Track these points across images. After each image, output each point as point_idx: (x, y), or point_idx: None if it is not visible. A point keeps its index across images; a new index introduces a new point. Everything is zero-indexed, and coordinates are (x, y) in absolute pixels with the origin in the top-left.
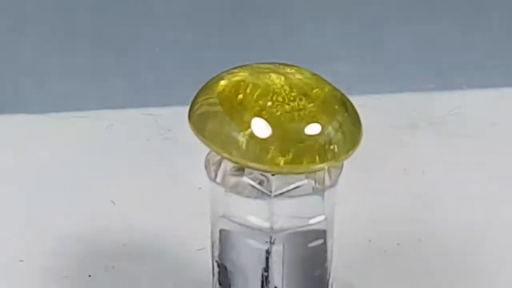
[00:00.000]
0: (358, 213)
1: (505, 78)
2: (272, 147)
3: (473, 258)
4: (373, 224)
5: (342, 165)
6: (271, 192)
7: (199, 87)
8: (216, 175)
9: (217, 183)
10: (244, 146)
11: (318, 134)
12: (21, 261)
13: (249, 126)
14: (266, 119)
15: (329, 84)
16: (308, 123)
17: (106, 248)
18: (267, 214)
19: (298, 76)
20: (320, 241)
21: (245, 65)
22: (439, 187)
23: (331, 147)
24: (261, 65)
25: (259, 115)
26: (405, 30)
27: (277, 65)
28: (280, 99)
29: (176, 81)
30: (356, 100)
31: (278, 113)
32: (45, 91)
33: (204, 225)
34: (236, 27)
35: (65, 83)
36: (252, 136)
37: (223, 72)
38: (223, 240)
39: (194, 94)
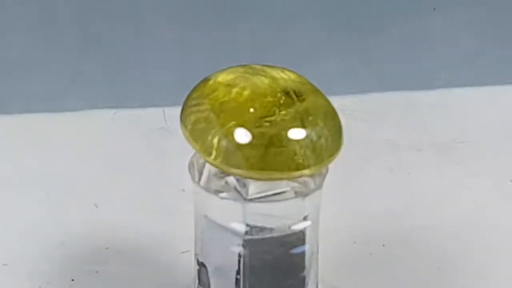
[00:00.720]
0: (343, 215)
1: (491, 76)
2: (249, 153)
3: (459, 259)
4: (358, 226)
5: (327, 168)
6: (247, 195)
7: (184, 88)
8: (199, 177)
9: (200, 186)
10: (222, 150)
11: (298, 141)
12: (4, 265)
13: (230, 131)
14: (246, 125)
15: (316, 91)
16: (289, 130)
17: (89, 252)
18: (242, 218)
19: (288, 81)
20: (301, 249)
21: (239, 66)
22: (424, 188)
23: (310, 154)
24: (254, 67)
25: (240, 121)
26: (392, 29)
27: (272, 67)
28: (266, 104)
29: (160, 81)
30: (341, 99)
31: (260, 119)
32: (27, 91)
33: (188, 227)
34: (223, 26)
35: (48, 83)
36: (231, 140)
37: (216, 72)
38: (204, 239)
39: (179, 95)
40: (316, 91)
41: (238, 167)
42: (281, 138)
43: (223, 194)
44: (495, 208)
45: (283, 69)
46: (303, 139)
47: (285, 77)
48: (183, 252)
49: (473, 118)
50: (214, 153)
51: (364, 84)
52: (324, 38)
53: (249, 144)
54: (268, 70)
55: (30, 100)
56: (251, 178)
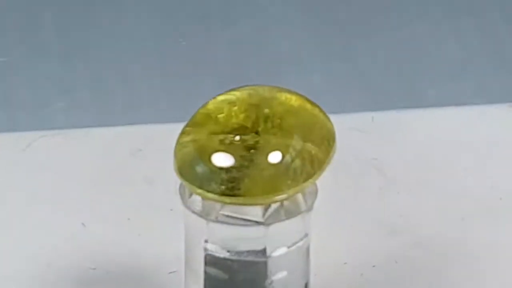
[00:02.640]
0: (332, 235)
1: (476, 95)
2: (221, 179)
3: (450, 278)
4: (348, 246)
5: (316, 189)
6: (214, 216)
7: (170, 105)
8: (188, 200)
9: (189, 208)
10: (194, 172)
11: (274, 165)
12: None
13: (209, 157)
14: (226, 150)
15: (314, 114)
16: (267, 154)
17: (76, 273)
18: (204, 237)
19: (282, 105)
20: (262, 280)
21: (233, 90)
22: (414, 207)
23: (269, 183)
24: (249, 89)
25: (220, 147)
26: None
27: (268, 89)
28: (251, 129)
29: (146, 99)
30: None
31: (240, 145)
32: (10, 109)
33: (176, 247)
34: (206, 36)
35: (32, 100)
36: (209, 165)
37: (227, 91)
38: (189, 255)
39: (164, 110)
40: (312, 115)
41: (214, 193)
42: (269, 161)
43: (190, 211)
44: (485, 226)
45: (280, 89)
46: (288, 159)
47: (279, 100)
48: (170, 272)
49: (462, 136)
50: (186, 173)
51: (353, 102)
52: (311, 53)
53: (229, 169)
54: (261, 92)
55: (14, 116)
56: (205, 198)
